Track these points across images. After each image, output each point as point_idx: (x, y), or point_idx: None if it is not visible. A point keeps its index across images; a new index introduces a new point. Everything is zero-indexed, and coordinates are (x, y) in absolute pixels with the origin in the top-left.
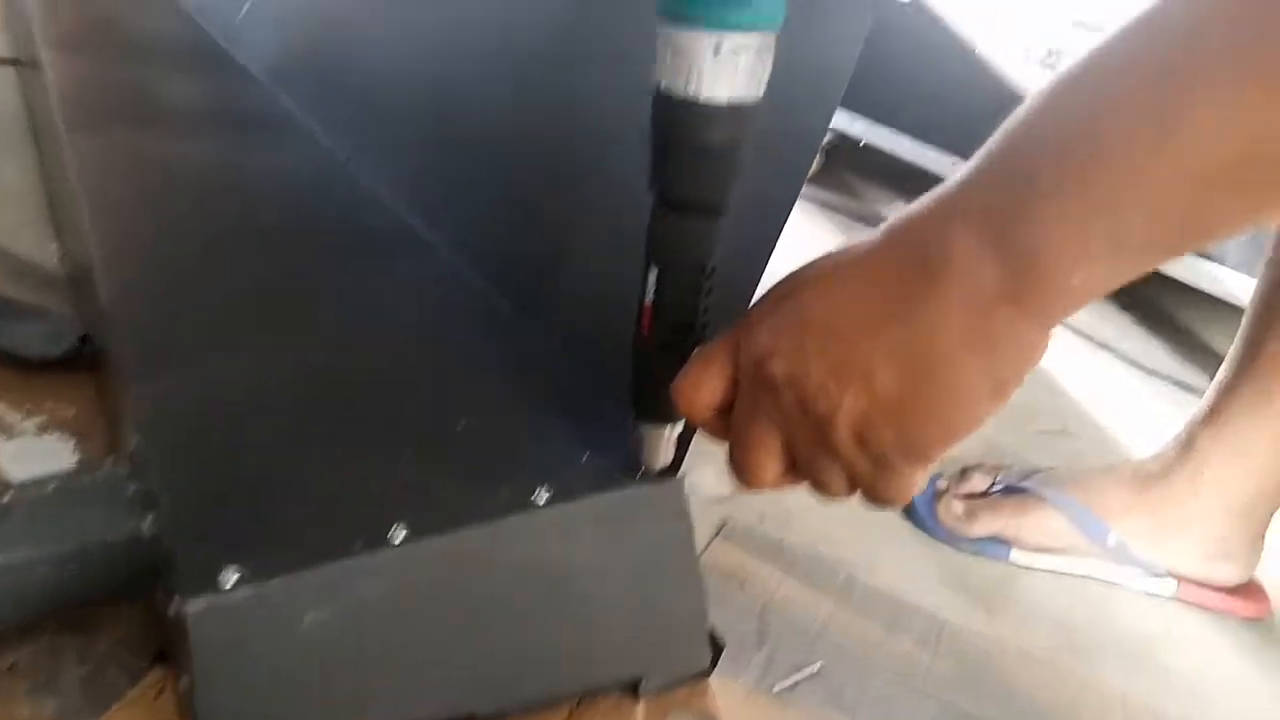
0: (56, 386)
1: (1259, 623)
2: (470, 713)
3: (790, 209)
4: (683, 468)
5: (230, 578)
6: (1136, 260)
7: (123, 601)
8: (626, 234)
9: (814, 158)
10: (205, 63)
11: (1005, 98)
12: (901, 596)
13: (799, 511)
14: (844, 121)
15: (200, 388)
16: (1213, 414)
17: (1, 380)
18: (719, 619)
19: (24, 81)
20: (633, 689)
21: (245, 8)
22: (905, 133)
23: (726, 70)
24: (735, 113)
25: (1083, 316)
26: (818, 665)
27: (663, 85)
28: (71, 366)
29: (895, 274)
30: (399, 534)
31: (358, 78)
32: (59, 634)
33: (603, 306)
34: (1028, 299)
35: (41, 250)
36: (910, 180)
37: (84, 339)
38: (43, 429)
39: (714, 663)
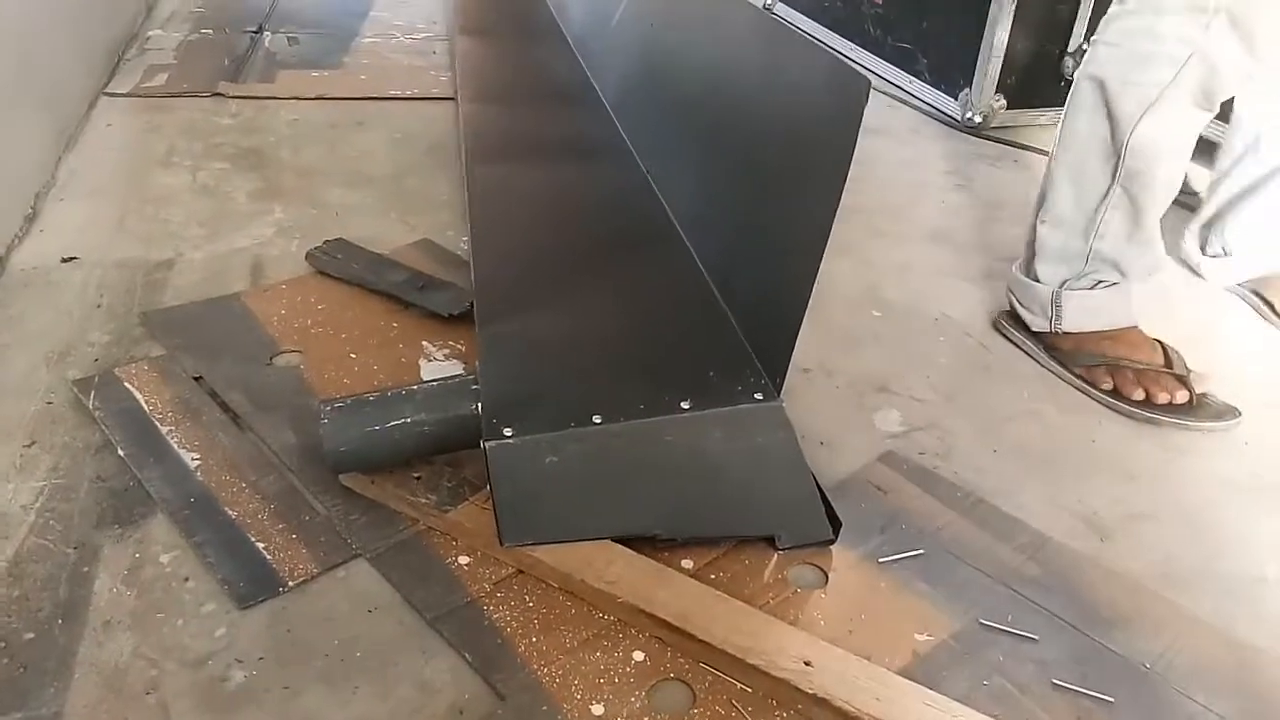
0: (457, 332)
1: None
2: (655, 534)
3: (822, 247)
4: (782, 394)
5: (509, 434)
6: None
7: (470, 449)
8: (780, 251)
9: (835, 206)
10: (578, 97)
11: None
12: (1022, 519)
13: (960, 449)
14: None
15: (509, 334)
16: None
17: (429, 327)
18: (856, 512)
19: (459, 114)
20: (773, 543)
21: (602, 46)
22: None
23: None
24: None
25: None
26: (921, 551)
27: None
28: (466, 320)
29: None
30: (597, 418)
31: (656, 119)
32: (441, 465)
33: (758, 295)
34: None
35: (456, 245)
36: None
37: (472, 304)
38: (447, 356)
39: (835, 535)
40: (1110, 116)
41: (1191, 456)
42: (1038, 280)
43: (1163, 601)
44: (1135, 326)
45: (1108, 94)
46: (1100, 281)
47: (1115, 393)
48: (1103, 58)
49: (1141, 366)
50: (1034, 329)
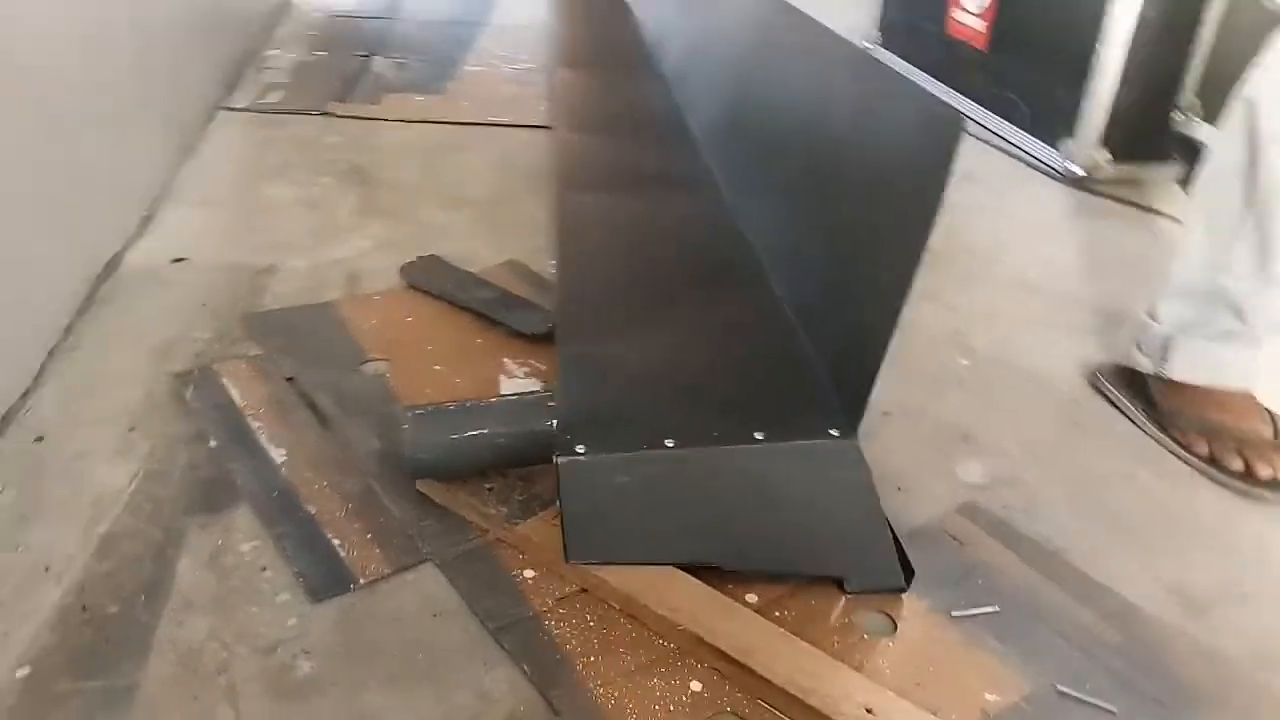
0: (539, 351)
1: None
2: (719, 563)
3: (909, 286)
4: (859, 430)
5: (581, 450)
6: None
7: (543, 464)
8: (866, 289)
9: (924, 245)
10: (671, 131)
11: None
12: (1107, 584)
13: (1045, 506)
14: None
15: (589, 354)
16: None
17: (512, 346)
18: (931, 561)
19: (553, 142)
20: (841, 585)
21: (696, 83)
22: None
23: None
24: None
25: None
26: (996, 608)
27: None
28: (548, 341)
29: None
30: (669, 443)
31: (745, 154)
32: (514, 478)
33: (840, 331)
34: None
35: (545, 267)
36: None
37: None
38: (527, 374)
39: (908, 583)
40: (1254, 140)
41: None
42: (1155, 319)
43: (1254, 684)
44: (1248, 392)
45: (1255, 117)
46: (1222, 332)
47: (1212, 460)
48: (1256, 79)
49: (1246, 436)
50: (1142, 369)
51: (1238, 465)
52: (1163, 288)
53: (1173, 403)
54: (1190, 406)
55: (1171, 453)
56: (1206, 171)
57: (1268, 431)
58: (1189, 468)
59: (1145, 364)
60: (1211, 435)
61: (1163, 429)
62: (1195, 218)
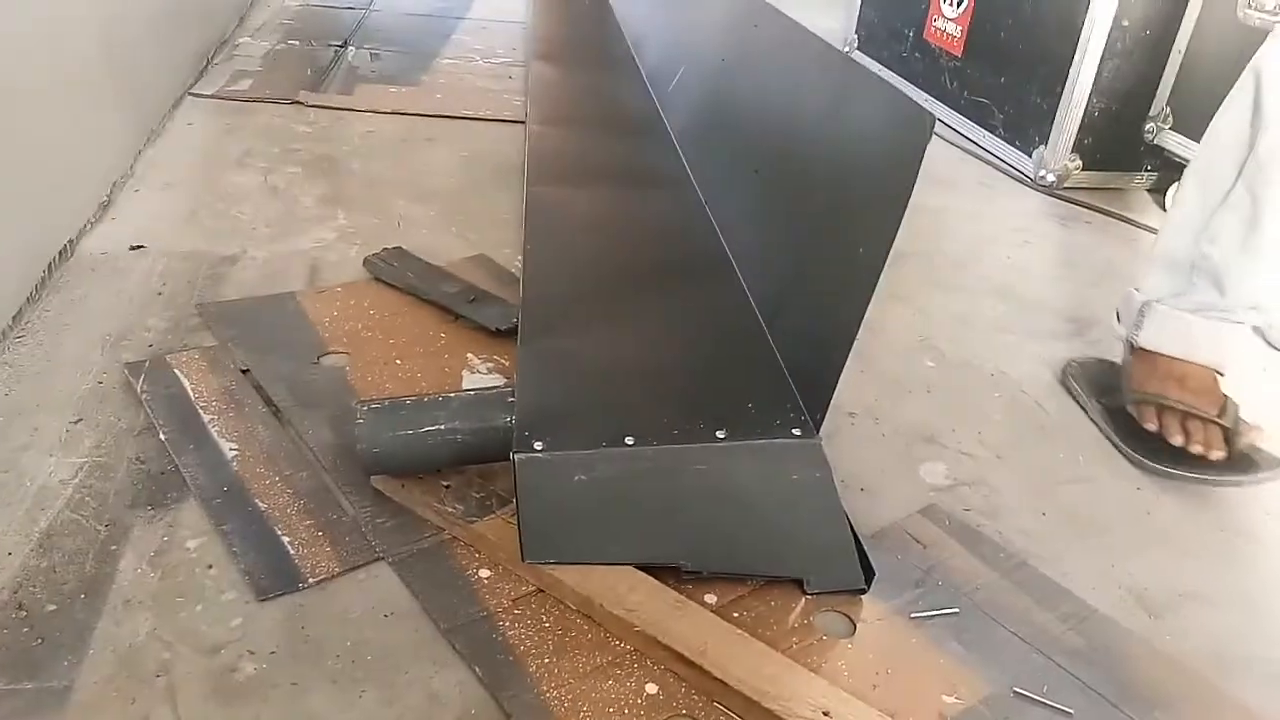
0: (503, 347)
1: None
2: (680, 564)
3: (873, 284)
4: (822, 431)
5: (539, 447)
6: None
7: (502, 461)
8: (831, 286)
9: (890, 243)
10: (646, 127)
11: None
12: (1067, 587)
13: (1007, 509)
14: None
15: (551, 350)
16: None
17: (476, 340)
18: (892, 563)
19: (526, 136)
20: (801, 586)
21: (674, 82)
22: None
23: None
24: None
25: None
26: (956, 609)
27: None
28: (513, 335)
29: None
30: (630, 440)
31: (720, 151)
32: (472, 474)
33: (805, 330)
34: None
35: (512, 262)
36: None
37: None
38: (490, 370)
39: (868, 584)
40: (1255, 108)
41: (1253, 539)
42: (1139, 289)
43: (1210, 687)
44: (1213, 369)
45: (1261, 86)
46: (1200, 303)
47: (1158, 435)
48: (1267, 49)
49: (1196, 413)
50: (1116, 336)
51: (1179, 440)
52: (1150, 258)
53: (1139, 376)
54: (1154, 380)
55: (1114, 444)
56: (1208, 135)
57: (1214, 411)
58: (1147, 475)
59: (1120, 331)
60: (1164, 410)
61: (1115, 425)
62: (1189, 182)
